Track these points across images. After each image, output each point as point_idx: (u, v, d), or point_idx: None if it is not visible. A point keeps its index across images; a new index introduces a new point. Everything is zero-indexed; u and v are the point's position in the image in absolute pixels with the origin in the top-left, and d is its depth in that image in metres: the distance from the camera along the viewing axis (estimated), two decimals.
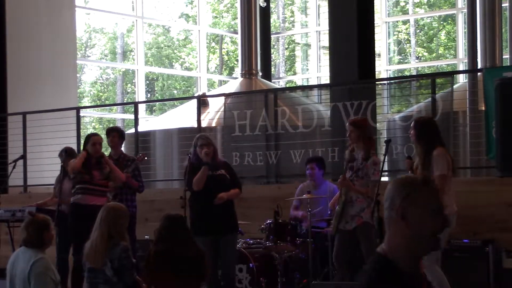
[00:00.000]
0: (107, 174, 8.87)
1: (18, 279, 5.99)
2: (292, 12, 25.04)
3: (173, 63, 26.93)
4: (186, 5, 26.66)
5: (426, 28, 25.11)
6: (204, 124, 12.09)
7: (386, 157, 7.67)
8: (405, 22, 24.52)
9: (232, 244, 8.00)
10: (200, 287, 6.10)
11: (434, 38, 24.89)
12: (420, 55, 24.63)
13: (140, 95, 18.59)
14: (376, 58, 15.36)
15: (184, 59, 26.98)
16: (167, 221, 6.36)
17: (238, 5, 14.57)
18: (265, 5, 15.04)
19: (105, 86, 27.28)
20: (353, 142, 7.80)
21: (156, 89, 27.04)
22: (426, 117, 8.23)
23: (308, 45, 23.11)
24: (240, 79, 13.98)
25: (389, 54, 21.73)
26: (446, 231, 7.00)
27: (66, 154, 9.66)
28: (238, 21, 14.37)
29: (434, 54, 24.97)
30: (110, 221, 6.22)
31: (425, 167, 7.11)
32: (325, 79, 19.87)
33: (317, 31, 21.35)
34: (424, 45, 24.96)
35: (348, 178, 7.75)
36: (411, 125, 7.37)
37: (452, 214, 7.09)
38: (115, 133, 9.40)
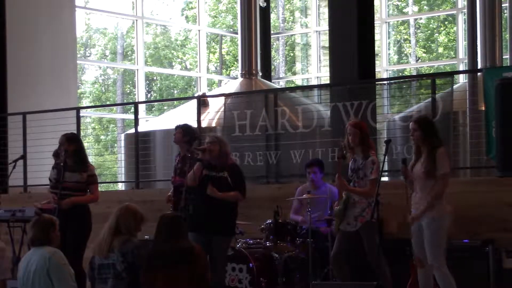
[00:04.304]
0: (87, 177, 8.60)
1: (36, 277, 6.16)
2: (292, 11, 25.03)
3: (172, 63, 26.93)
4: (185, 6, 26.64)
5: (426, 28, 25.11)
6: (204, 124, 12.09)
7: (386, 157, 7.68)
8: (405, 22, 24.53)
9: (221, 247, 7.86)
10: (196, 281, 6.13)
11: (434, 38, 24.88)
12: (420, 55, 24.64)
13: (140, 95, 18.59)
14: (376, 58, 15.35)
15: (182, 59, 26.97)
16: (163, 221, 6.42)
17: (238, 5, 14.56)
18: (265, 5, 15.04)
19: (105, 86, 27.29)
20: (354, 143, 7.82)
21: (154, 89, 27.03)
22: (427, 116, 8.20)
23: (308, 45, 23.11)
24: (240, 79, 13.98)
25: (389, 54, 21.72)
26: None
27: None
28: (238, 21, 14.36)
29: (434, 54, 24.97)
30: (119, 217, 6.35)
31: (429, 167, 7.12)
32: (325, 79, 19.85)
33: (317, 31, 21.35)
34: (425, 45, 24.95)
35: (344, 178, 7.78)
36: (414, 125, 7.31)
37: (447, 213, 7.16)
38: (179, 130, 9.17)
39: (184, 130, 9.08)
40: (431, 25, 25.01)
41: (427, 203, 7.12)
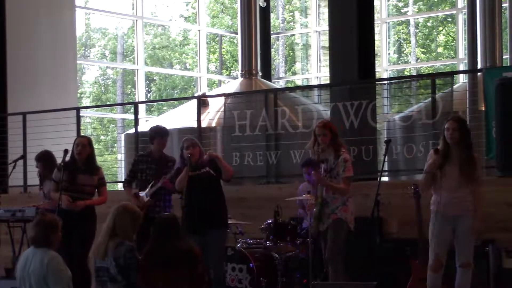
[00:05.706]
0: (98, 179, 8.79)
1: (33, 279, 6.13)
2: (292, 11, 25.03)
3: (172, 63, 26.93)
4: (186, 5, 26.65)
5: (426, 29, 25.10)
6: (204, 124, 12.09)
7: (386, 157, 7.68)
8: (404, 22, 24.52)
9: (217, 240, 8.02)
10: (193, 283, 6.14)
11: (432, 37, 24.87)
12: (419, 55, 24.63)
13: (140, 95, 18.59)
14: (376, 58, 15.35)
15: (180, 59, 26.96)
16: (158, 222, 6.43)
17: (238, 5, 14.56)
18: (265, 5, 15.03)
19: (105, 86, 27.29)
20: (325, 144, 7.83)
21: (153, 89, 27.03)
22: (464, 118, 8.10)
23: (308, 45, 23.11)
24: (240, 79, 13.98)
25: (389, 54, 21.72)
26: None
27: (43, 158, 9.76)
28: (238, 21, 14.36)
29: (433, 54, 24.97)
30: (116, 219, 6.32)
31: (468, 171, 7.19)
32: (325, 79, 19.85)
33: (317, 31, 21.35)
34: (424, 44, 24.95)
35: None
36: (455, 125, 7.29)
37: None
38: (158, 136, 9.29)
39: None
40: (429, 24, 25.00)
41: (478, 209, 7.19)
